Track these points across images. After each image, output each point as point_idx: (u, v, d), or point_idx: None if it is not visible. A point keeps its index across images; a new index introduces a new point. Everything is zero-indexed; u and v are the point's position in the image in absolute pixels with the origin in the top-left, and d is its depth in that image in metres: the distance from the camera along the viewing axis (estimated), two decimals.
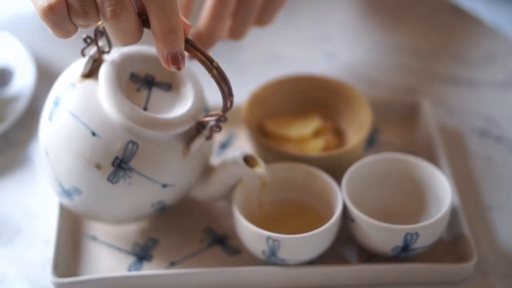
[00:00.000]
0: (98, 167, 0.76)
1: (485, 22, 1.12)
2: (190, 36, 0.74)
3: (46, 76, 1.01)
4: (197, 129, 0.79)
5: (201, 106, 0.79)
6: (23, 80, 1.00)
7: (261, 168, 0.80)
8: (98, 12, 0.70)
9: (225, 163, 0.80)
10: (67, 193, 0.80)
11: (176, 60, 0.72)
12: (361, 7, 1.16)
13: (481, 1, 1.48)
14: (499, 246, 0.84)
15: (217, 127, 0.78)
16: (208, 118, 0.78)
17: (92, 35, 0.76)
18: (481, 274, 0.82)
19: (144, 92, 0.79)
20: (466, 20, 1.13)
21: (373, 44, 1.10)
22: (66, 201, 0.81)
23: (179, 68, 0.72)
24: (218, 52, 1.05)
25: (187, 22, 0.73)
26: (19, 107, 0.96)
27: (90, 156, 0.76)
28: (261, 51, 1.08)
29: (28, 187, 0.91)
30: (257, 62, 1.07)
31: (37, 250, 0.85)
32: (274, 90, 0.93)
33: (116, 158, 0.76)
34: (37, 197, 0.90)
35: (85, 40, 0.77)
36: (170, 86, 0.80)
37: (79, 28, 0.71)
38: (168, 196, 0.80)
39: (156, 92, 0.79)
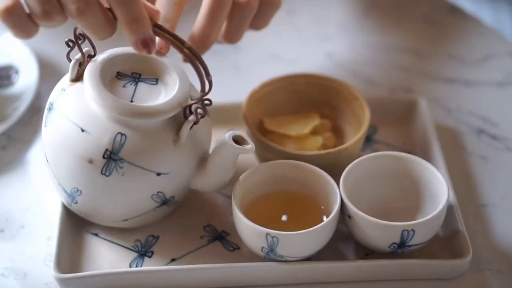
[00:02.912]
0: (91, 161, 0.78)
1: (482, 22, 1.13)
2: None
3: (48, 76, 1.02)
4: (185, 116, 0.80)
5: (187, 93, 0.80)
6: (26, 79, 1.01)
7: (250, 145, 0.80)
8: (62, 11, 0.72)
9: (217, 147, 0.81)
10: (70, 196, 0.81)
11: (146, 44, 0.75)
12: (359, 8, 1.16)
13: (479, 1, 1.49)
14: (494, 242, 0.85)
15: (203, 110, 0.79)
16: (192, 102, 0.80)
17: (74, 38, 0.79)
18: (477, 270, 0.83)
19: (130, 88, 0.80)
20: (463, 20, 1.13)
21: (371, 44, 1.10)
22: (73, 206, 0.83)
23: (150, 52, 0.76)
24: (218, 52, 1.07)
25: (154, 8, 0.77)
26: (22, 105, 0.97)
27: (82, 153, 0.78)
28: (260, 51, 1.09)
29: (31, 184, 0.92)
30: (257, 62, 1.07)
31: (40, 246, 0.86)
32: (274, 89, 0.94)
33: (106, 150, 0.78)
34: (40, 193, 0.91)
35: (67, 44, 0.79)
36: (157, 80, 0.81)
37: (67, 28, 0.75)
38: (165, 186, 0.80)
39: (143, 86, 0.81)
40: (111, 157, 0.78)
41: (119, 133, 0.78)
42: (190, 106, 0.79)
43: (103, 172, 0.78)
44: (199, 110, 0.79)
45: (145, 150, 0.78)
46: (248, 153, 0.81)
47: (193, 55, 0.77)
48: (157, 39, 0.80)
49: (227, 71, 1.06)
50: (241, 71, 1.06)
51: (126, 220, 0.83)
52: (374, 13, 1.15)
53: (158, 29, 0.77)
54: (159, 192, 0.81)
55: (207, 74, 0.77)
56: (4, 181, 0.92)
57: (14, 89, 1.01)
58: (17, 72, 1.02)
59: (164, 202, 0.82)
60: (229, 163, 0.81)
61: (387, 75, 1.06)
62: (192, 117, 0.79)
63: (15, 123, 0.97)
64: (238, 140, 0.80)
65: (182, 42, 0.77)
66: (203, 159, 0.82)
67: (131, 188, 0.79)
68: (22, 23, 0.74)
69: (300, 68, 1.02)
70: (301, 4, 1.16)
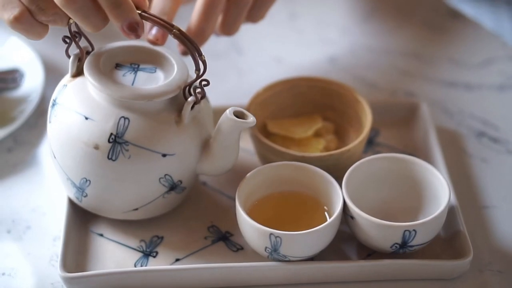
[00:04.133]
0: (96, 147, 0.80)
1: (483, 26, 1.14)
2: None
3: (54, 78, 1.03)
4: (185, 97, 0.82)
5: (185, 76, 0.82)
6: (32, 82, 1.02)
7: (251, 118, 0.81)
8: (54, 4, 0.75)
9: (219, 124, 0.82)
10: (80, 190, 0.82)
11: (132, 28, 0.77)
12: (361, 12, 1.17)
13: (480, 5, 1.50)
14: (494, 243, 0.86)
15: (201, 90, 0.81)
16: (190, 82, 0.81)
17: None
18: (477, 270, 0.83)
19: (130, 76, 0.82)
20: (464, 24, 1.14)
21: (373, 47, 1.11)
22: (83, 201, 0.84)
23: (138, 36, 0.77)
24: (221, 56, 1.08)
25: None
26: (28, 108, 0.98)
27: (87, 140, 0.80)
28: (263, 54, 1.10)
29: (37, 185, 0.93)
30: (260, 66, 1.08)
31: (46, 246, 0.86)
32: (276, 92, 0.95)
33: (111, 134, 0.79)
34: (46, 195, 0.92)
35: (64, 40, 0.81)
36: (155, 69, 0.83)
37: (51, 26, 0.77)
38: (172, 168, 0.82)
39: (142, 75, 0.82)
40: (116, 141, 0.79)
41: (122, 117, 0.80)
42: (189, 86, 0.81)
43: (110, 157, 0.80)
44: (198, 90, 0.81)
45: (149, 131, 0.80)
46: (249, 126, 0.81)
47: (183, 36, 0.79)
48: (154, 31, 0.83)
49: (230, 74, 1.07)
50: (244, 74, 1.07)
51: (136, 209, 0.84)
52: (376, 17, 1.16)
53: (145, 13, 0.78)
54: (166, 175, 0.82)
55: (200, 54, 0.79)
56: (10, 183, 0.93)
57: (20, 92, 1.01)
58: (22, 75, 1.03)
59: (172, 187, 0.83)
60: (232, 140, 0.82)
61: (389, 79, 1.06)
62: (192, 98, 0.81)
63: (21, 126, 0.98)
64: (239, 116, 0.82)
65: (171, 24, 0.79)
66: (207, 142, 0.84)
67: (139, 171, 0.81)
68: (31, 27, 0.77)
69: (303, 72, 1.02)
70: (303, 7, 1.17)
